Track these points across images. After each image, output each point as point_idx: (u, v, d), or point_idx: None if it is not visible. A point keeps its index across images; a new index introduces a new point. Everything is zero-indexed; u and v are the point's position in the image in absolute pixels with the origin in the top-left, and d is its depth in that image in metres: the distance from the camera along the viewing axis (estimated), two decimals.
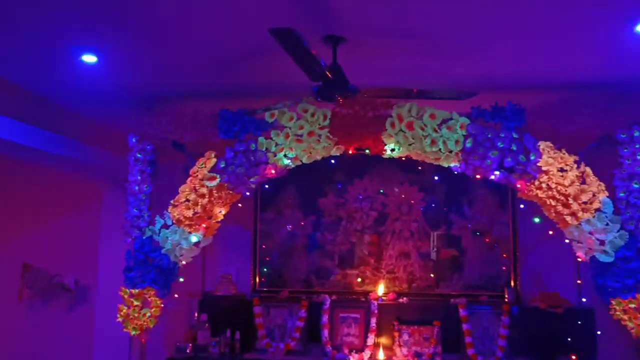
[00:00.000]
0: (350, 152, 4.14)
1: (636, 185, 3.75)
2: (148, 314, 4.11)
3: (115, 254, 5.00)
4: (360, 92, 3.27)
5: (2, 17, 2.89)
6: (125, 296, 4.13)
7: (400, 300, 4.88)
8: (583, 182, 3.65)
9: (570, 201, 3.63)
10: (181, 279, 4.44)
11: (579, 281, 4.79)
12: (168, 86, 3.98)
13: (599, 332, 4.45)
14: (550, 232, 4.48)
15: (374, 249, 5.17)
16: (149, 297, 4.13)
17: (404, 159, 4.20)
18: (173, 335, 5.09)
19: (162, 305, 4.17)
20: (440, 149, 3.81)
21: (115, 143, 4.79)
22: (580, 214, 3.63)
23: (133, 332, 4.13)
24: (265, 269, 5.30)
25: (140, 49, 3.33)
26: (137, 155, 4.27)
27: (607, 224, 3.61)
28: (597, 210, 3.62)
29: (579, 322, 4.46)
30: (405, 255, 5.13)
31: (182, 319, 5.18)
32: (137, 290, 4.12)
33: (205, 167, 4.09)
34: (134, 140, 4.30)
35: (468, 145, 3.74)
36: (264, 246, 5.32)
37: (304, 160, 4.13)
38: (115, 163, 4.90)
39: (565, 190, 3.64)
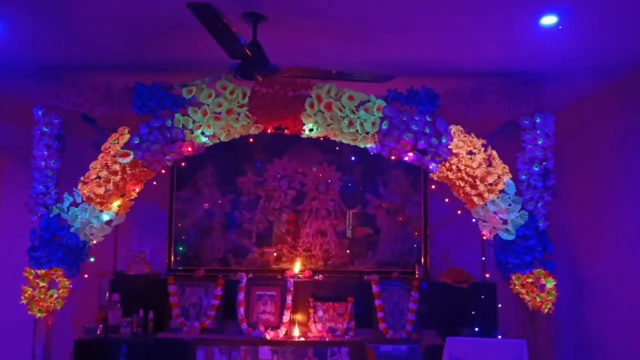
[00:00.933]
0: (269, 131, 4.13)
1: (536, 169, 4.01)
2: (55, 296, 3.94)
3: (17, 233, 4.71)
4: (280, 72, 3.26)
5: None
6: (30, 277, 3.94)
7: (316, 277, 4.97)
8: (489, 165, 3.86)
9: (478, 183, 3.84)
10: (92, 259, 4.28)
11: (483, 258, 5.09)
12: (79, 56, 3.75)
13: (499, 305, 4.77)
14: (459, 212, 4.71)
15: (292, 227, 5.23)
16: (57, 278, 3.95)
17: (322, 139, 4.26)
18: (82, 317, 4.91)
19: (71, 286, 4.01)
20: (357, 130, 3.89)
21: (18, 114, 4.50)
22: (486, 194, 3.85)
23: (39, 315, 3.95)
24: (181, 248, 5.22)
25: (48, 16, 3.11)
26: (44, 129, 4.01)
27: (509, 205, 3.85)
28: (501, 191, 3.85)
29: (482, 297, 4.76)
30: (321, 234, 5.22)
31: (92, 299, 5.01)
32: (43, 271, 3.93)
33: (118, 143, 3.94)
34: (39, 112, 4.03)
35: (384, 127, 3.85)
36: (180, 225, 5.23)
37: (222, 139, 4.09)
38: (17, 136, 4.60)
39: (473, 172, 3.84)
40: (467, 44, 3.48)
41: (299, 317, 4.81)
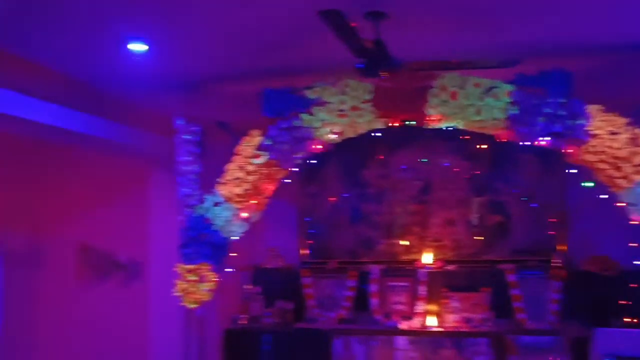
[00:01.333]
0: (394, 124, 4.14)
1: None
2: (204, 288, 4.26)
3: (164, 232, 5.17)
4: (403, 66, 3.26)
5: (51, 9, 2.96)
6: (182, 272, 4.29)
7: (448, 267, 4.92)
8: (636, 145, 3.58)
9: (622, 164, 3.58)
10: (234, 254, 4.57)
11: (637, 244, 4.67)
12: (215, 69, 4.03)
13: None
14: (602, 196, 4.39)
15: (419, 218, 5.21)
16: (204, 272, 4.27)
17: (447, 128, 4.18)
18: (225, 308, 5.26)
19: (219, 279, 4.31)
20: (485, 118, 3.78)
21: (160, 125, 4.91)
22: (633, 176, 3.57)
23: (191, 306, 4.30)
24: (311, 242, 5.40)
25: (189, 35, 3.38)
26: (185, 137, 4.37)
27: None
28: None
29: (632, 285, 4.42)
30: (450, 223, 5.15)
31: (232, 292, 5.34)
32: (193, 266, 4.26)
33: (250, 145, 4.16)
34: (180, 122, 4.39)
35: (514, 112, 3.70)
36: (309, 219, 5.41)
37: (348, 135, 4.16)
38: (160, 145, 5.02)
39: (617, 154, 3.58)
40: (600, 18, 3.23)
41: (432, 307, 4.80)
